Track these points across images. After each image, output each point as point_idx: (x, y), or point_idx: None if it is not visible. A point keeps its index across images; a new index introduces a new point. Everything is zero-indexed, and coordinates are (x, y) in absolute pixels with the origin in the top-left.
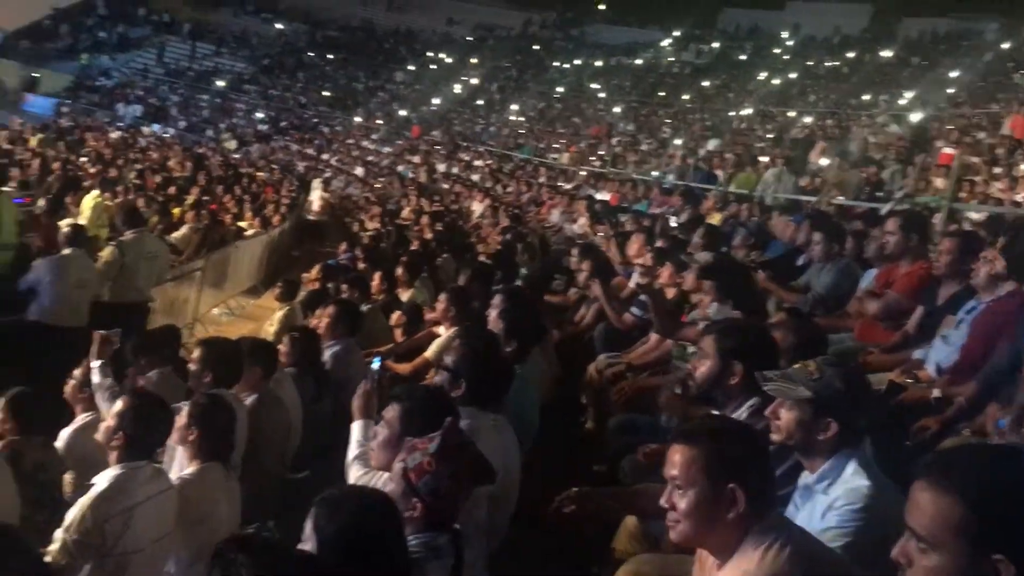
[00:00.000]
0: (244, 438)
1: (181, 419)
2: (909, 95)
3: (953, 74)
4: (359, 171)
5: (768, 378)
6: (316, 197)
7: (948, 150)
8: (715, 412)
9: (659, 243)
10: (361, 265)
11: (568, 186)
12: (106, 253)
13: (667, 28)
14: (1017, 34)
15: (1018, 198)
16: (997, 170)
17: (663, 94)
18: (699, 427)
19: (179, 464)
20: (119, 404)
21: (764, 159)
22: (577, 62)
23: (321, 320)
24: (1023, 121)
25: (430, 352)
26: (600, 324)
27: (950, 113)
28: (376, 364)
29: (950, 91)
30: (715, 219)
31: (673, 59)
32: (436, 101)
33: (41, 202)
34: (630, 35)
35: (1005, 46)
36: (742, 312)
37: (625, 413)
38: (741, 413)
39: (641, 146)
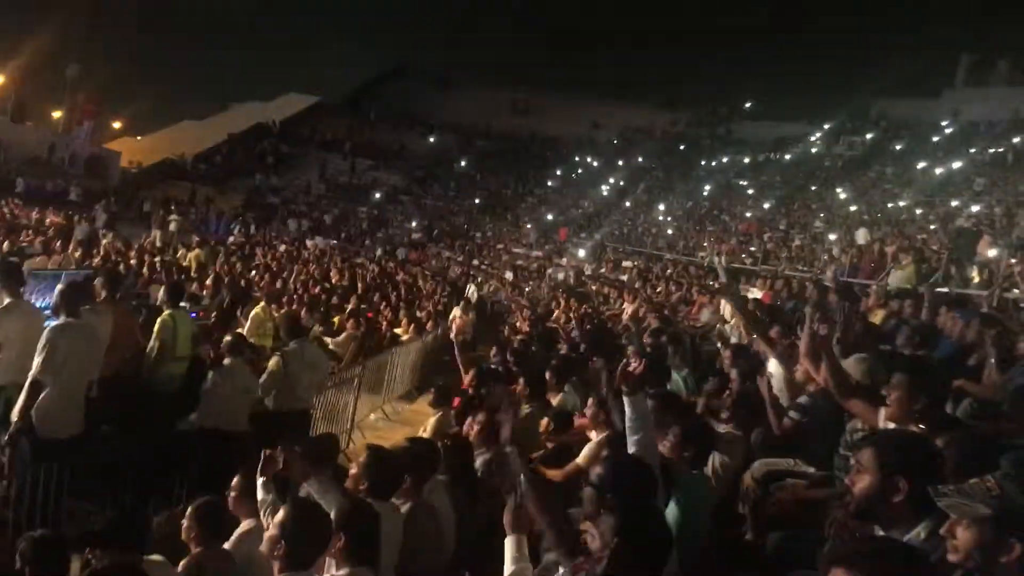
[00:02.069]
0: (398, 545)
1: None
2: None
3: None
4: (508, 275)
5: (943, 494)
6: (456, 314)
7: None
8: (881, 533)
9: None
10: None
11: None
12: (271, 363)
13: (816, 122)
14: None
15: None
16: None
17: (815, 188)
18: (860, 549)
19: (329, 573)
20: (281, 514)
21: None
22: (724, 159)
23: (473, 427)
24: None
25: (582, 458)
26: (757, 429)
27: None
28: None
29: None
30: (877, 316)
31: (822, 151)
32: (584, 203)
33: (214, 315)
34: (778, 130)
35: None
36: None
37: (786, 526)
38: (918, 534)
39: (794, 241)
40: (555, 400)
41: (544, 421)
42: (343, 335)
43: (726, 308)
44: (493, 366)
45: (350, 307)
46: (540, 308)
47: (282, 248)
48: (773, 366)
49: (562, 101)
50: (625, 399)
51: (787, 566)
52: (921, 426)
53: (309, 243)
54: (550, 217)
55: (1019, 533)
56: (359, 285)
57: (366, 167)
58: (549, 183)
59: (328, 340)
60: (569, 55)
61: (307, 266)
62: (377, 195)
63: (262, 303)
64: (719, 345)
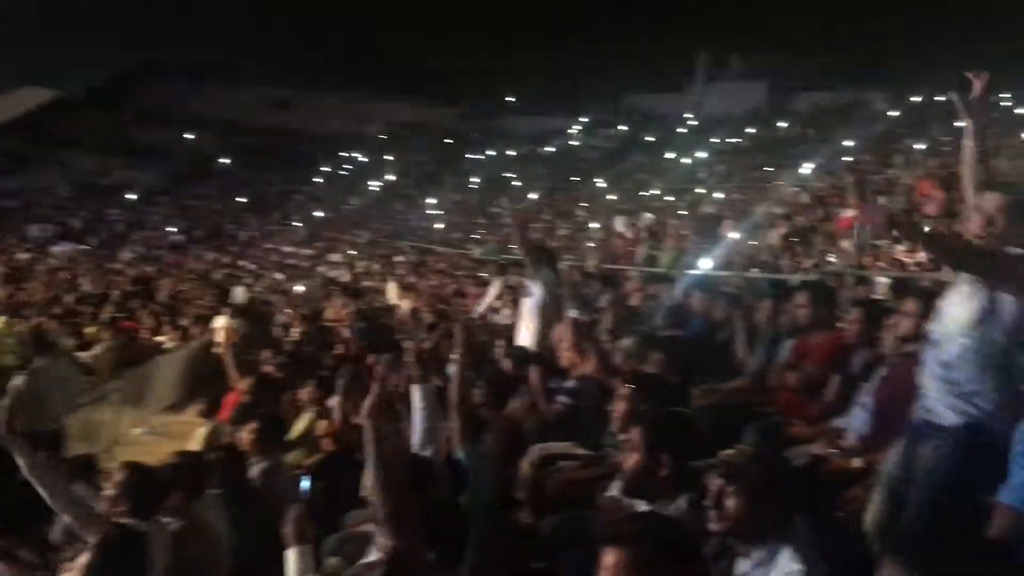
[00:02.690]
0: (167, 566)
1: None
2: (809, 165)
3: (847, 143)
4: (278, 276)
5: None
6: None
7: (848, 214)
8: (645, 508)
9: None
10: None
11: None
12: (15, 382)
13: (573, 116)
14: (903, 102)
15: (919, 258)
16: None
17: (576, 180)
18: (628, 528)
19: None
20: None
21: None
22: (492, 153)
23: (245, 435)
24: (928, 186)
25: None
26: (532, 415)
27: (847, 181)
28: (306, 484)
29: (846, 159)
30: (637, 300)
31: (582, 144)
32: (354, 200)
33: None
34: (539, 124)
35: (893, 114)
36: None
37: (561, 509)
38: (679, 506)
39: (560, 231)
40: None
41: (323, 424)
42: (98, 347)
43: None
44: (270, 371)
45: (104, 317)
46: (313, 307)
47: (23, 255)
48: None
49: (328, 97)
50: (413, 388)
51: (563, 548)
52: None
53: (56, 249)
54: (319, 214)
55: (776, 495)
56: (114, 293)
57: (117, 166)
58: (317, 180)
59: (81, 354)
60: (334, 50)
61: (53, 274)
62: (132, 196)
63: (2, 317)
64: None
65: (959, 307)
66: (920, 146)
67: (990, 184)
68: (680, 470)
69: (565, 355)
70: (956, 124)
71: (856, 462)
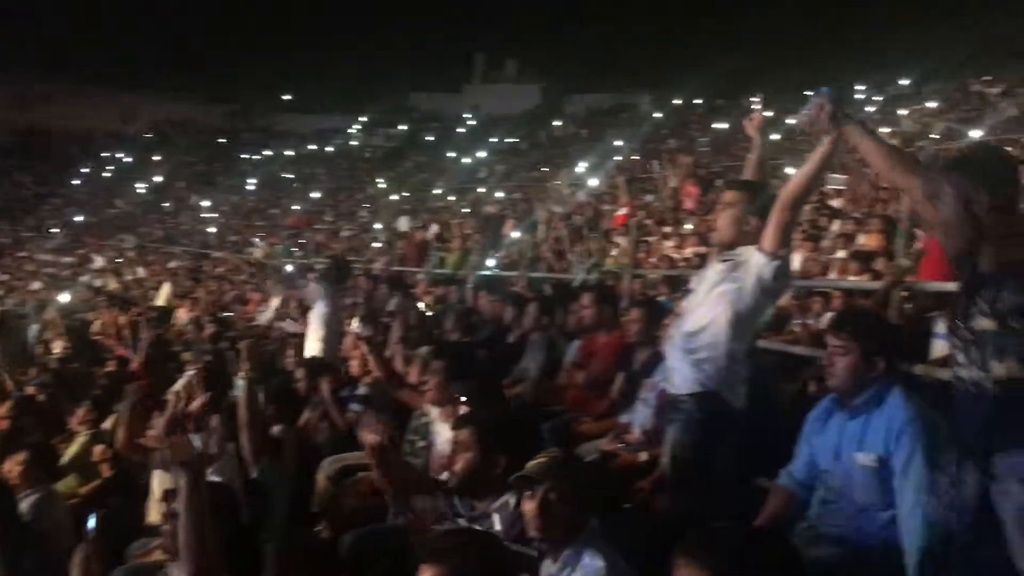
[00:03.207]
0: None
1: None
2: (583, 165)
3: (617, 143)
4: (35, 286)
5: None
6: None
7: (621, 212)
8: (462, 524)
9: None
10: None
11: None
12: None
13: (352, 114)
14: (666, 104)
15: (687, 254)
16: (667, 229)
17: (358, 179)
18: (445, 544)
19: None
20: None
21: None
22: (268, 153)
23: (13, 467)
24: (693, 189)
25: None
26: (325, 426)
27: (620, 179)
28: (92, 522)
29: (617, 159)
30: (427, 303)
31: (362, 143)
32: (118, 202)
33: None
34: (318, 123)
35: (657, 115)
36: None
37: (361, 523)
38: (506, 502)
39: (343, 232)
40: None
41: (99, 448)
42: None
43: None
44: (32, 393)
45: None
46: (76, 320)
47: None
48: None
49: (85, 93)
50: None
51: (364, 563)
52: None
53: None
54: (80, 219)
55: (578, 498)
56: None
57: None
58: (75, 182)
59: None
60: (90, 41)
61: None
62: None
63: None
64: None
65: (708, 280)
66: (680, 145)
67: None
68: (514, 470)
69: (354, 363)
70: (714, 126)
71: (642, 456)
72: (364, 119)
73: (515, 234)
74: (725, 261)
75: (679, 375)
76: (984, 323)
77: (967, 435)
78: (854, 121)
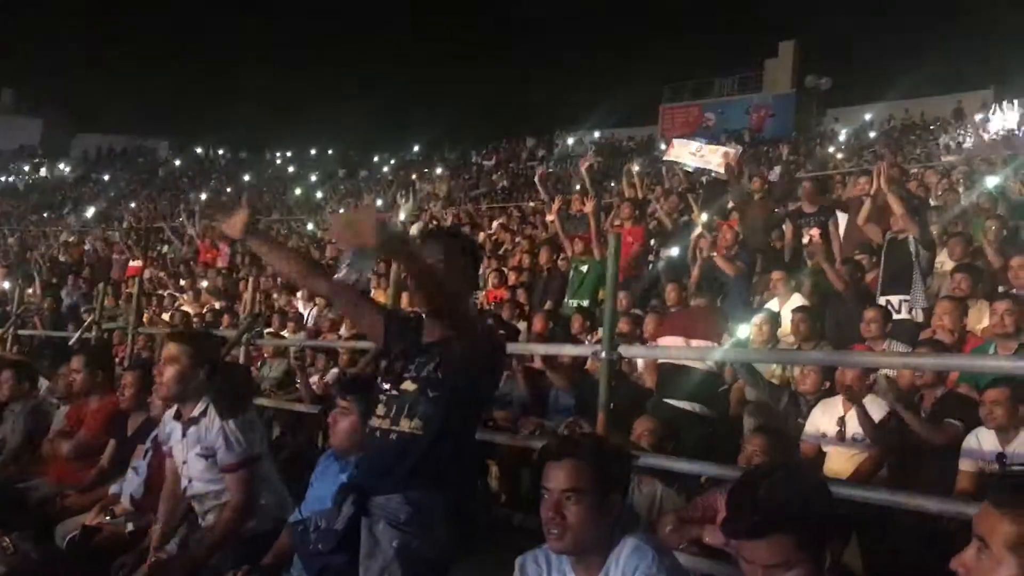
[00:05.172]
0: None
1: None
2: (92, 209)
3: (131, 187)
4: None
5: None
6: None
7: (135, 263)
8: None
9: None
10: None
11: None
12: None
13: None
14: (187, 151)
15: (202, 310)
16: (183, 282)
17: None
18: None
19: None
20: None
21: None
22: None
23: None
24: (225, 248)
25: None
26: None
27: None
28: None
29: (132, 204)
30: None
31: None
32: None
33: None
34: None
35: (177, 162)
36: None
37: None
38: None
39: None
40: None
41: None
42: None
43: None
44: None
45: None
46: None
47: None
48: None
49: None
50: None
51: None
52: None
53: None
54: None
55: None
56: None
57: None
58: None
59: None
60: None
61: None
62: None
63: None
64: None
65: None
66: (202, 196)
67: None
68: None
69: None
70: (244, 178)
71: (129, 527)
72: None
73: (6, 284)
74: None
75: None
76: (408, 385)
77: (359, 475)
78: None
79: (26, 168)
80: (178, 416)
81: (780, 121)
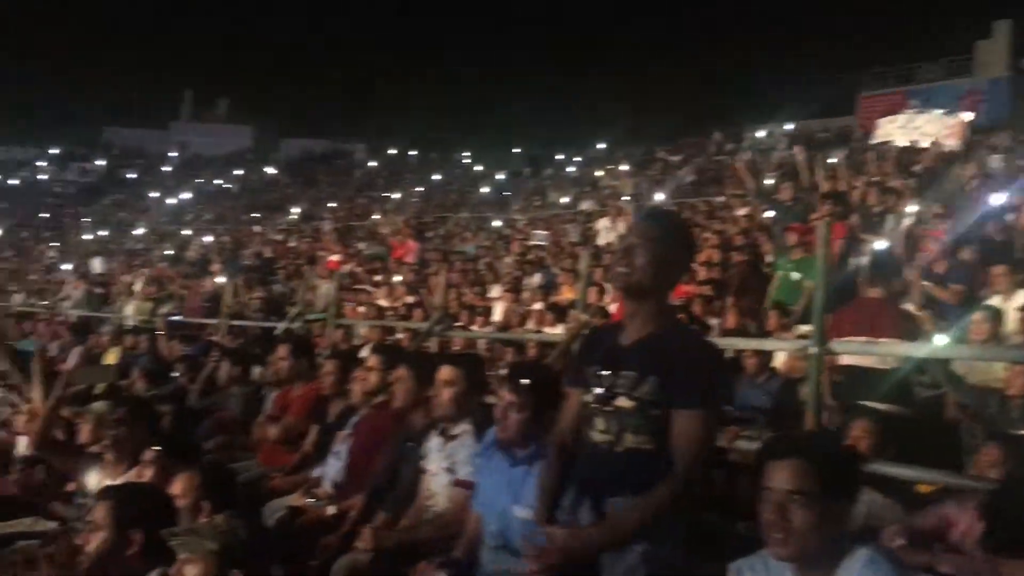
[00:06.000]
0: None
1: None
2: (296, 210)
3: (331, 189)
4: None
5: (175, 534)
6: None
7: (334, 258)
8: None
9: None
10: None
11: None
12: None
13: (43, 146)
14: (381, 154)
15: (396, 304)
16: (377, 278)
17: (48, 215)
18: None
19: None
20: None
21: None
22: None
23: None
24: (414, 244)
25: None
26: None
27: (330, 226)
28: None
29: (331, 205)
30: (112, 355)
31: (53, 177)
32: None
33: None
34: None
35: (372, 164)
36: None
37: None
38: None
39: (30, 276)
40: None
41: None
42: None
43: None
44: None
45: None
46: None
47: None
48: None
49: None
50: None
51: None
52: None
53: None
54: None
55: (240, 563)
56: None
57: None
58: None
59: None
60: None
61: None
62: None
63: None
64: None
65: None
66: (395, 196)
67: None
68: (152, 545)
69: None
70: (433, 177)
71: (331, 509)
72: (55, 151)
73: (221, 279)
74: None
75: None
76: (624, 403)
77: (588, 483)
78: None
79: (239, 172)
80: (442, 432)
81: (994, 107)
